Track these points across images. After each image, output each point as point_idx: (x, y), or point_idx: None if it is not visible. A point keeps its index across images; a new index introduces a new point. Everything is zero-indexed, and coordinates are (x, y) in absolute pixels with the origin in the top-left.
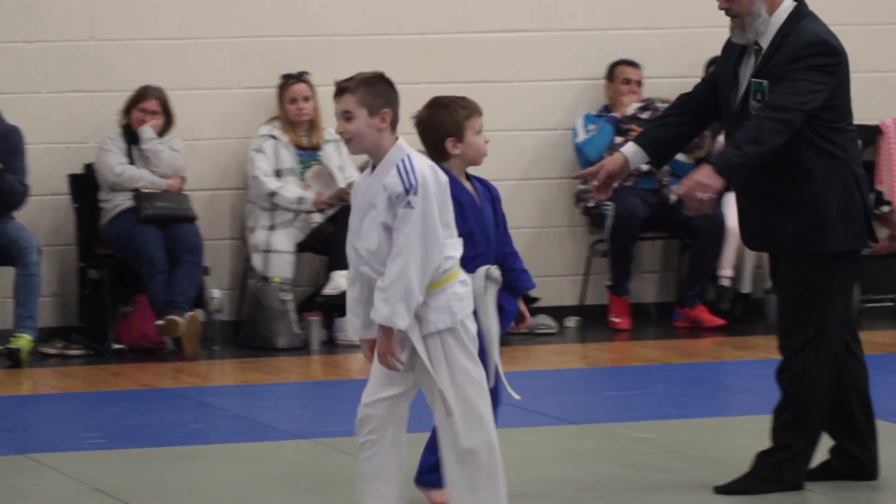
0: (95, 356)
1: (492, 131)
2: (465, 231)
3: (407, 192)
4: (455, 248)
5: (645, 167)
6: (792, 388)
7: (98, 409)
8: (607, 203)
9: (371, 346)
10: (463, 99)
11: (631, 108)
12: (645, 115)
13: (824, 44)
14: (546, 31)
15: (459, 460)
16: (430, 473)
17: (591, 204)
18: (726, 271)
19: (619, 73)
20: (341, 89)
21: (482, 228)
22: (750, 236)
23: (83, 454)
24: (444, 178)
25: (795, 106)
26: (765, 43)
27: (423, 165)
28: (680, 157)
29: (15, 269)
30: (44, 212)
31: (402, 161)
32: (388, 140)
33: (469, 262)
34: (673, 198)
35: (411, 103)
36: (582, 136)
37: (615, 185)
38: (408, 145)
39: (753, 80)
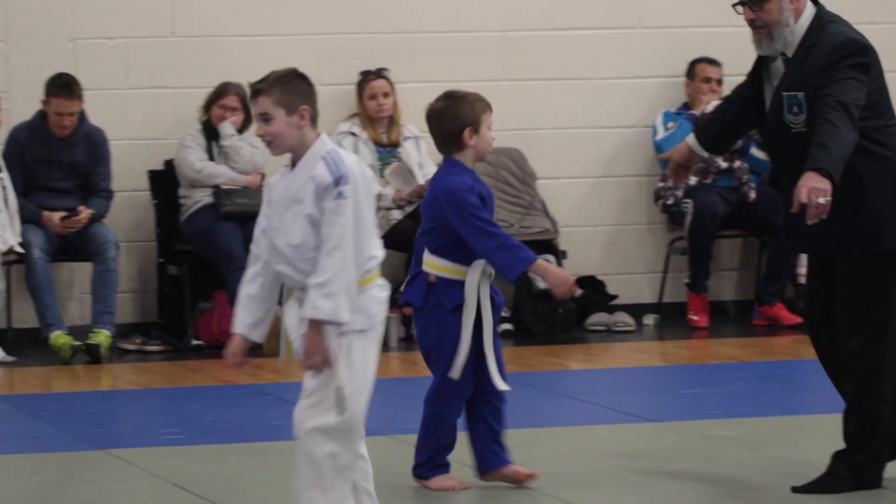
0: (174, 352)
1: (572, 129)
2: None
3: (337, 182)
4: (377, 247)
5: (724, 164)
6: (859, 389)
7: (177, 404)
8: (686, 200)
9: (244, 345)
10: (477, 94)
11: (710, 105)
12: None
13: (853, 43)
14: (626, 29)
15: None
16: (422, 467)
17: (670, 201)
18: (805, 269)
19: (700, 72)
20: (256, 91)
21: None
22: (801, 240)
23: (162, 450)
24: (368, 172)
25: (852, 101)
26: (791, 53)
27: (350, 158)
28: (759, 154)
29: (93, 264)
30: (124, 208)
31: (328, 153)
32: (310, 136)
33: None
34: (752, 195)
35: (493, 100)
36: (661, 134)
37: (691, 172)
38: (330, 141)
39: (786, 93)
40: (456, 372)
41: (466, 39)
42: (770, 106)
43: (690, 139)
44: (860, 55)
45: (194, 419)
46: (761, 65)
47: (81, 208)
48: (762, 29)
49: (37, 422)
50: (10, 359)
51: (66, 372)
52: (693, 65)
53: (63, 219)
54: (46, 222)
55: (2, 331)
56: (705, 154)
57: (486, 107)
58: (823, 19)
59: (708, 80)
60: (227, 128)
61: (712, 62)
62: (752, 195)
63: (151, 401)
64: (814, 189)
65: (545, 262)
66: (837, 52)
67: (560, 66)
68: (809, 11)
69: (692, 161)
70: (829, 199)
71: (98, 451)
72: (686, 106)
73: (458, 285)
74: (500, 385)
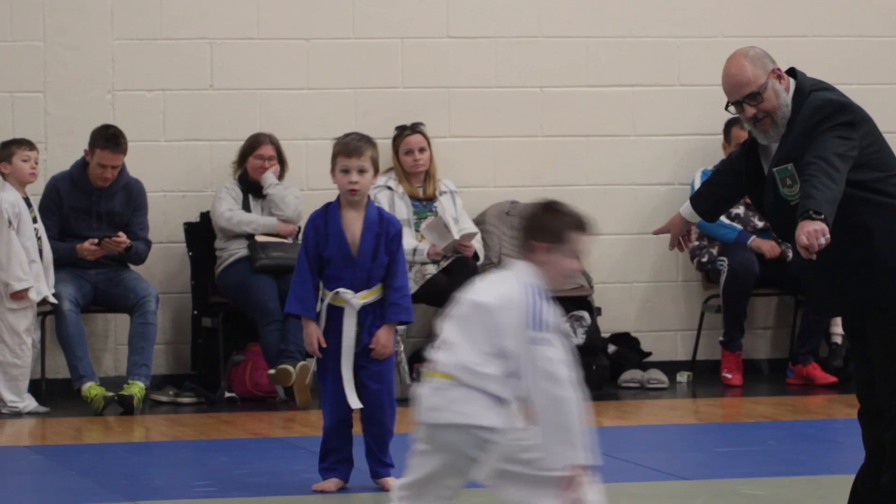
0: (207, 404)
1: (608, 185)
2: (327, 253)
3: None
4: None
5: (760, 223)
6: None
7: (209, 457)
8: (721, 258)
9: None
10: (345, 139)
11: None
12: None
13: (829, 104)
14: (664, 86)
15: None
16: (375, 471)
17: (704, 259)
18: (839, 328)
19: (735, 136)
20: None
21: (344, 254)
22: (824, 304)
23: (194, 502)
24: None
25: (830, 151)
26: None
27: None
28: None
29: (130, 316)
30: (159, 259)
31: None
32: None
33: (331, 282)
34: (790, 254)
35: (529, 156)
36: None
37: (689, 239)
38: None
39: (776, 168)
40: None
41: (503, 95)
42: (766, 184)
43: (684, 210)
44: (839, 114)
45: (227, 472)
46: (749, 157)
47: (120, 233)
48: (765, 119)
49: (69, 473)
50: (42, 409)
51: (98, 423)
52: (728, 128)
53: (101, 239)
54: (80, 252)
55: (35, 381)
56: (758, 223)
57: (341, 151)
58: (805, 90)
59: (743, 146)
60: (269, 177)
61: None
62: (790, 254)
63: (184, 453)
64: (810, 232)
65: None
66: (815, 116)
67: (597, 122)
68: (791, 85)
69: (685, 229)
70: (828, 237)
71: (130, 502)
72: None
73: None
74: (352, 403)
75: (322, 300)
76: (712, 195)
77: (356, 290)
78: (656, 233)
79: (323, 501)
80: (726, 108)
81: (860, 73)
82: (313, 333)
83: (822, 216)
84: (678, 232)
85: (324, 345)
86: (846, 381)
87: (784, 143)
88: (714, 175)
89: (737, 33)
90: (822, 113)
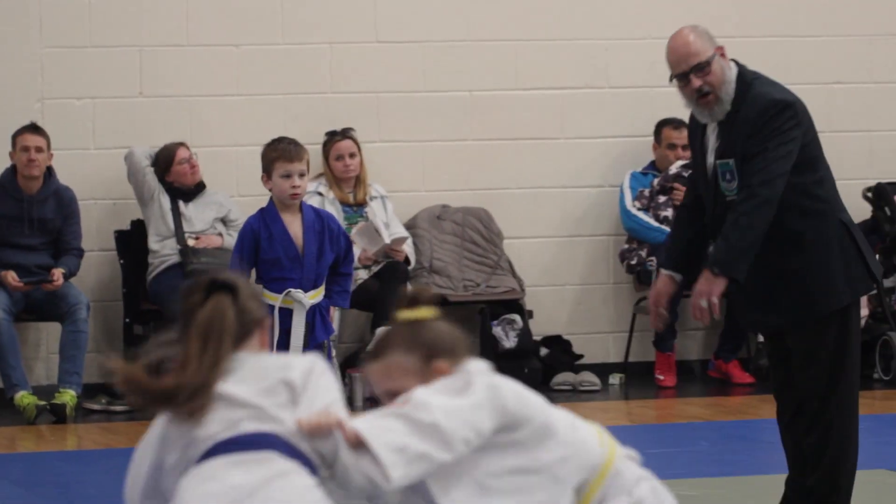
0: (139, 412)
1: (539, 188)
2: (272, 256)
3: None
4: None
5: None
6: (822, 447)
7: None
8: (651, 259)
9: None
10: (274, 145)
11: (674, 166)
12: (689, 174)
13: (775, 105)
14: (593, 89)
15: None
16: None
17: (634, 261)
18: None
19: (666, 137)
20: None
21: (291, 255)
22: (755, 319)
23: None
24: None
25: (772, 177)
26: (723, 115)
27: None
28: None
29: (62, 324)
30: (90, 267)
31: None
32: None
33: (276, 283)
34: None
35: (459, 160)
36: (630, 203)
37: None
38: None
39: (718, 161)
40: None
41: (432, 99)
42: (710, 174)
43: (666, 272)
44: (783, 115)
45: None
46: (695, 140)
47: (54, 271)
48: (709, 95)
49: (2, 482)
50: None
51: (31, 432)
52: (659, 128)
53: (35, 283)
54: (4, 281)
55: None
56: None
57: (280, 156)
58: (747, 77)
59: (673, 146)
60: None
61: (677, 126)
62: None
63: (116, 461)
64: (699, 293)
65: None
66: (761, 117)
67: (526, 125)
68: (734, 69)
69: (676, 292)
70: (713, 300)
71: None
72: (653, 164)
73: (270, 309)
74: None
75: (271, 304)
76: (680, 243)
77: (305, 290)
78: (652, 308)
79: None
80: (670, 81)
81: (788, 74)
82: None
83: (727, 276)
84: (669, 291)
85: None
86: (763, 382)
87: (726, 133)
88: (676, 224)
89: (665, 35)
90: (768, 115)
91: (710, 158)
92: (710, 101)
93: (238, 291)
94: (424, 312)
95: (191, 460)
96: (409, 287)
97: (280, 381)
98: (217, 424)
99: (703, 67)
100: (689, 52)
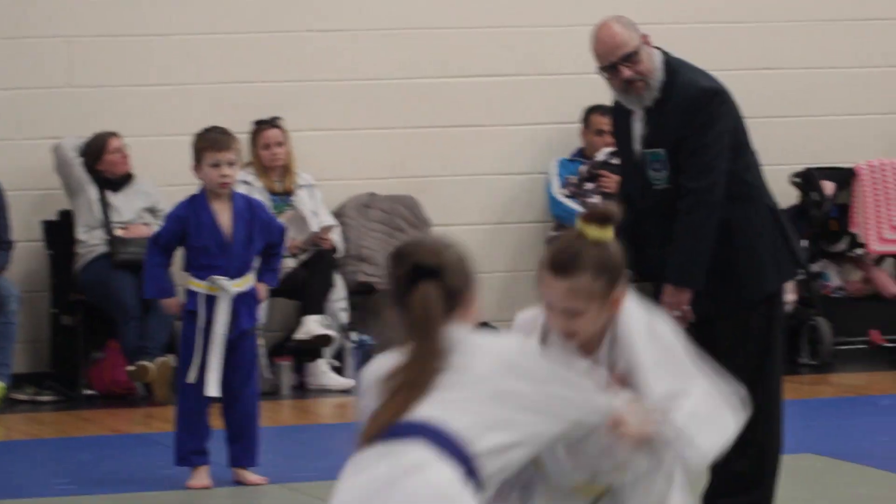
0: (67, 402)
1: (466, 176)
2: (199, 244)
3: None
4: None
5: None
6: (749, 433)
7: (69, 455)
8: None
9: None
10: (205, 133)
11: (601, 153)
12: (616, 160)
13: (706, 92)
14: (521, 76)
15: None
16: (235, 464)
17: None
18: None
19: (594, 123)
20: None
21: (218, 243)
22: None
23: (54, 500)
24: None
25: (715, 179)
26: (650, 102)
27: None
28: None
29: None
30: (18, 258)
31: None
32: None
33: (204, 271)
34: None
35: (388, 148)
36: (557, 189)
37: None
38: None
39: (647, 150)
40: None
41: (361, 87)
42: (637, 162)
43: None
44: (712, 103)
45: (86, 469)
46: (620, 129)
47: None
48: (639, 83)
49: None
50: None
51: None
52: (587, 115)
53: None
54: None
55: None
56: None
57: (209, 146)
58: (673, 63)
59: (601, 132)
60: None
61: (606, 112)
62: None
63: (44, 451)
64: (668, 305)
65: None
66: (693, 105)
67: (454, 113)
68: (658, 56)
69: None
70: (684, 311)
71: None
72: (581, 152)
73: (193, 295)
74: (212, 391)
75: (196, 291)
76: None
77: (231, 278)
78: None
79: (185, 497)
80: (605, 69)
81: (718, 59)
82: (173, 304)
83: (687, 287)
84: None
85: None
86: None
87: (654, 121)
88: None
89: (594, 23)
90: (699, 104)
91: (637, 147)
92: (640, 87)
93: (443, 272)
94: (611, 234)
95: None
96: (598, 202)
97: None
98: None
99: (631, 57)
100: (616, 43)
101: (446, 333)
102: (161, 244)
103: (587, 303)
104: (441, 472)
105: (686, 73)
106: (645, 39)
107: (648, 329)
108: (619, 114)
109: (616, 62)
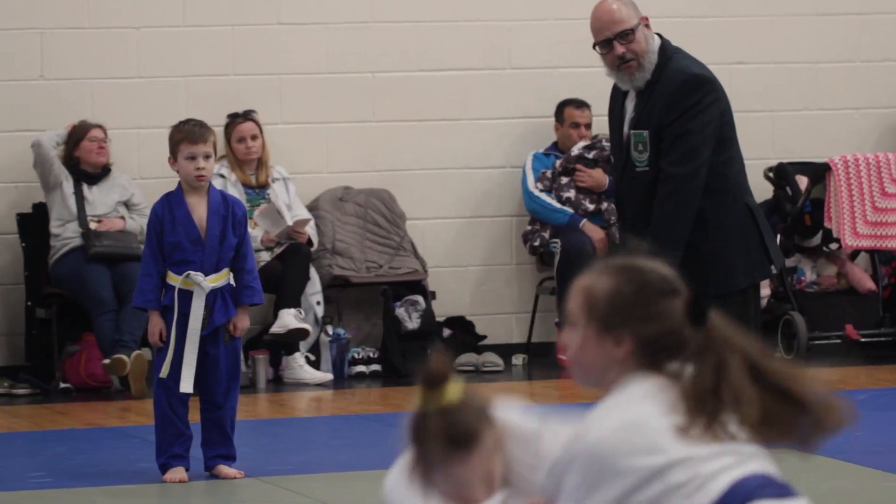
0: (42, 395)
1: (441, 169)
2: (174, 239)
3: None
4: None
5: (591, 206)
6: None
7: (44, 448)
8: (554, 241)
9: None
10: (180, 126)
11: (576, 147)
12: (591, 155)
13: (695, 78)
14: (495, 70)
15: None
16: (212, 459)
17: (537, 243)
18: None
19: (568, 117)
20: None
21: (193, 238)
22: None
23: (29, 493)
24: None
25: (697, 167)
26: (643, 84)
27: None
28: None
29: None
30: None
31: None
32: None
33: (179, 266)
34: (618, 235)
35: (362, 142)
36: (532, 184)
37: None
38: None
39: (633, 131)
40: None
41: (335, 81)
42: (622, 143)
43: None
44: (700, 90)
45: (61, 462)
46: (615, 109)
47: None
48: (632, 62)
49: None
50: None
51: None
52: (561, 108)
53: None
54: None
55: None
56: (589, 206)
57: (185, 138)
58: (668, 49)
59: (576, 125)
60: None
61: (580, 105)
62: (618, 235)
63: (19, 444)
64: None
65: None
66: (679, 90)
67: (429, 106)
68: (656, 41)
69: None
70: None
71: None
72: (555, 146)
73: (169, 290)
74: (185, 387)
75: (172, 286)
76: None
77: (206, 274)
78: None
79: (161, 491)
80: (601, 44)
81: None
82: (157, 325)
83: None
84: None
85: (164, 338)
86: None
87: (643, 103)
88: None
89: (567, 16)
90: (685, 89)
91: (626, 128)
92: (632, 66)
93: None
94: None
95: None
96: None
97: None
98: None
99: (626, 35)
100: (612, 19)
101: None
102: (153, 247)
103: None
104: None
105: (680, 60)
106: (644, 21)
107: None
108: (615, 94)
109: (611, 38)
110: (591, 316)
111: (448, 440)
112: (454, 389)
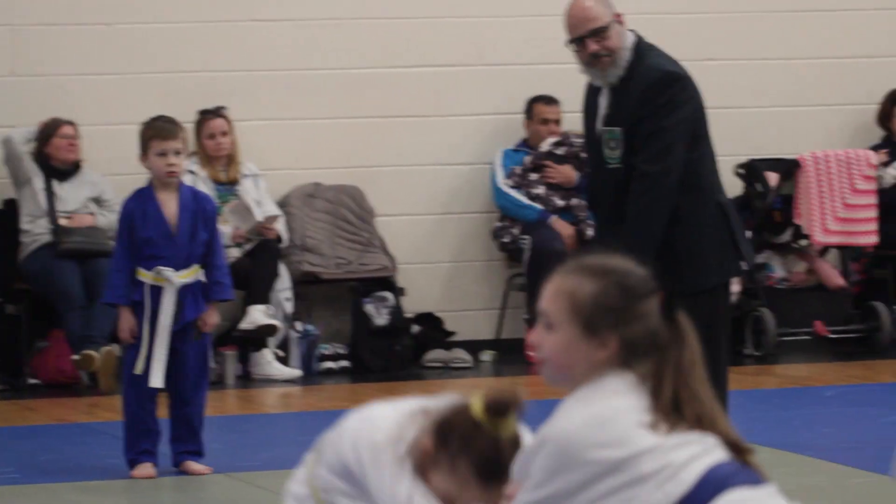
0: (11, 391)
1: (411, 166)
2: (144, 235)
3: None
4: None
5: (561, 203)
6: None
7: (13, 444)
8: (524, 237)
9: None
10: (152, 122)
11: (546, 144)
12: (560, 151)
13: (669, 76)
14: (465, 66)
15: None
16: (180, 455)
17: (507, 239)
18: None
19: (538, 113)
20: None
21: (164, 234)
22: None
23: None
24: None
25: (671, 165)
26: (615, 80)
27: None
28: None
29: None
30: None
31: None
32: None
33: (149, 261)
34: (589, 232)
35: (333, 138)
36: (502, 180)
37: None
38: None
39: (605, 128)
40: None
41: (307, 77)
42: (596, 139)
43: None
44: (673, 87)
45: (30, 458)
46: (589, 106)
47: None
48: (606, 59)
49: None
50: None
51: None
52: (531, 105)
53: None
54: None
55: None
56: (559, 203)
57: (155, 135)
58: (642, 45)
59: (546, 121)
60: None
61: (549, 102)
62: (590, 232)
63: None
64: None
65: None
66: (652, 87)
67: (399, 103)
68: (631, 37)
69: None
70: None
71: None
72: (525, 142)
73: (139, 286)
74: (155, 382)
75: (142, 282)
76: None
77: (177, 269)
78: None
79: (129, 486)
80: (574, 41)
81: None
82: (126, 321)
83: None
84: None
85: (135, 334)
86: None
87: (616, 100)
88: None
89: (538, 13)
90: (658, 86)
91: (599, 125)
92: (605, 62)
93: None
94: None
95: None
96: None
97: None
98: None
99: (599, 32)
100: (586, 16)
101: None
102: (124, 243)
103: None
104: None
105: (653, 57)
106: (618, 18)
107: None
108: (589, 91)
109: (584, 35)
110: (576, 319)
111: (490, 470)
112: (514, 423)
